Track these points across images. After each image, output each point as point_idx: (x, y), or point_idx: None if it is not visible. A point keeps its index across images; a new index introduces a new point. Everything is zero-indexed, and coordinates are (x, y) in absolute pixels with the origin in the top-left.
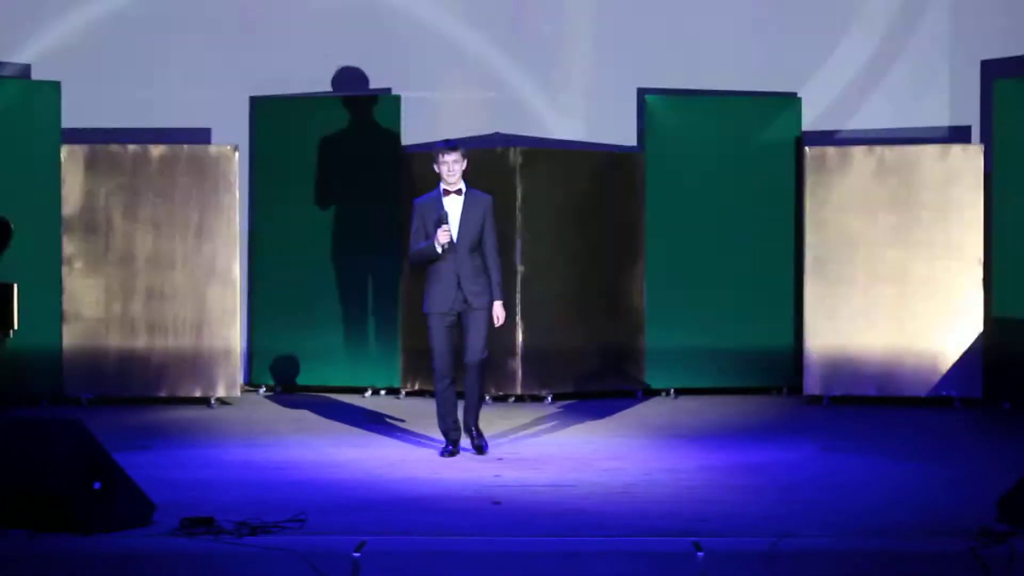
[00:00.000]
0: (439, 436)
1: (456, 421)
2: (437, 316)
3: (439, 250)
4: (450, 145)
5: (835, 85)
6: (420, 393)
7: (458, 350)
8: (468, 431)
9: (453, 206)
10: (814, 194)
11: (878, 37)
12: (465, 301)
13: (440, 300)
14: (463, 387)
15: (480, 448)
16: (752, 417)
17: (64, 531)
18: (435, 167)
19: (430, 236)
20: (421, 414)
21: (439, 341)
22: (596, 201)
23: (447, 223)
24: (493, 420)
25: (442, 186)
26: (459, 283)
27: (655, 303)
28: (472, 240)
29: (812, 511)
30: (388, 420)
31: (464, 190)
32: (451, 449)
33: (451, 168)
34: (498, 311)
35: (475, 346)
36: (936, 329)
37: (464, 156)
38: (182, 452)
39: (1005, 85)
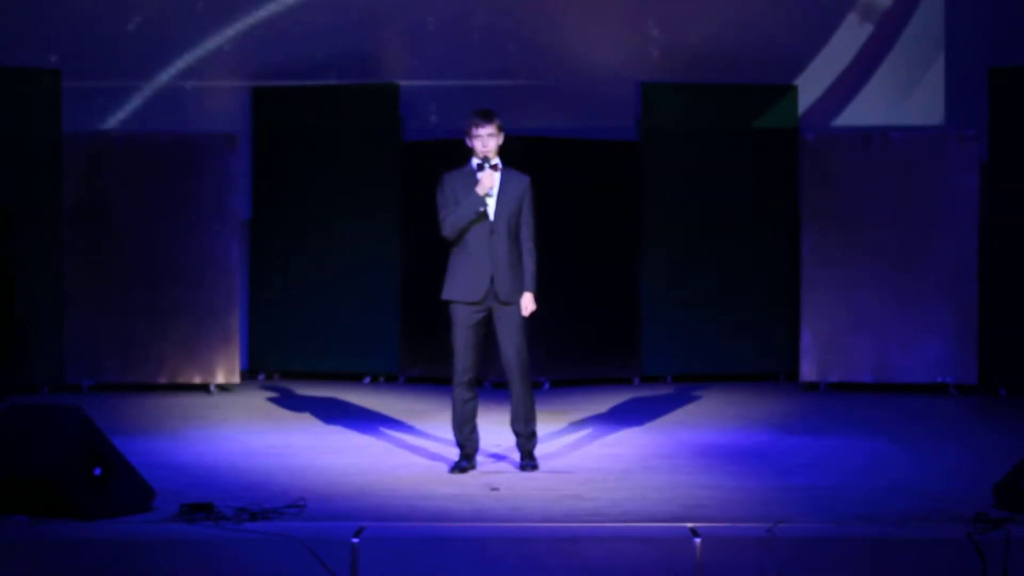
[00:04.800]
0: (436, 421)
1: (474, 431)
2: (461, 307)
3: (481, 202)
4: (485, 116)
5: (831, 74)
6: (418, 380)
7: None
8: (518, 443)
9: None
10: (811, 182)
11: (874, 26)
12: (496, 296)
13: (467, 288)
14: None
15: (526, 467)
16: (749, 403)
17: (65, 517)
18: (467, 141)
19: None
20: (419, 400)
21: (461, 337)
22: (595, 189)
23: (490, 167)
24: (490, 407)
25: (475, 161)
26: (492, 273)
27: (653, 290)
28: (510, 222)
29: (809, 497)
30: (386, 407)
31: (500, 167)
32: (463, 465)
33: (485, 142)
34: (527, 302)
35: (509, 343)
36: (932, 316)
37: (500, 129)
38: (182, 439)
39: (1001, 73)
